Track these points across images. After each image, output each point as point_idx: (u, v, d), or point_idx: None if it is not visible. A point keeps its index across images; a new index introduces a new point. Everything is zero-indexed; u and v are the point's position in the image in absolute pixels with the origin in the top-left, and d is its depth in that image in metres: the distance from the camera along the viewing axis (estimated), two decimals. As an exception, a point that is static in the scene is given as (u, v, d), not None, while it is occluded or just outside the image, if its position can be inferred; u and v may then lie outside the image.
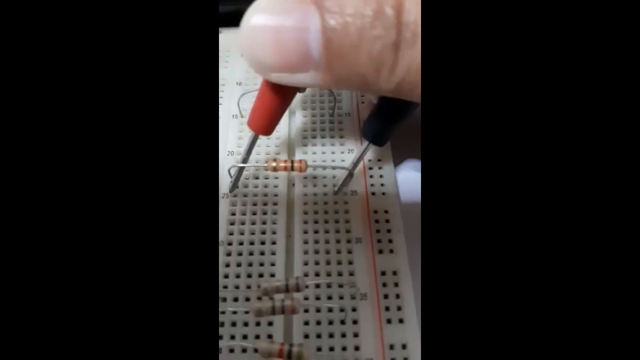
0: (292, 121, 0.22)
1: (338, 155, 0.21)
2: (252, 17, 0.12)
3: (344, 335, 0.16)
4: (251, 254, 0.17)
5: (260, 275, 0.17)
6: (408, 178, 0.21)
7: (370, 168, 0.20)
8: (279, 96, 0.15)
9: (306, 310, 0.16)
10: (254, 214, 0.18)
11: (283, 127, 0.21)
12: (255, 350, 0.14)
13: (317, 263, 0.17)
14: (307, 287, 0.16)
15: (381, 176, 0.20)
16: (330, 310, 0.16)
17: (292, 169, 0.18)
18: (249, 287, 0.16)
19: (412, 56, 0.12)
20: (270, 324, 0.16)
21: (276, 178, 0.19)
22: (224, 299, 0.16)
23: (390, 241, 0.18)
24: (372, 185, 0.20)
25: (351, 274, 0.17)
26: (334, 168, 0.20)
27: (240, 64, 0.24)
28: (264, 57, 0.12)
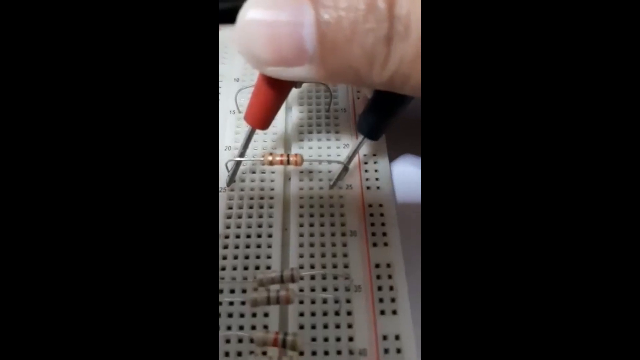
0: (288, 116, 0.22)
1: (334, 150, 0.21)
2: (248, 12, 0.12)
3: (338, 326, 0.16)
4: (247, 246, 0.18)
5: (257, 268, 0.17)
6: (403, 172, 0.21)
7: (366, 162, 0.20)
8: (274, 90, 0.15)
9: (301, 302, 0.16)
10: (251, 207, 0.19)
11: (279, 122, 0.21)
12: (251, 340, 0.14)
13: (312, 256, 0.17)
14: (302, 278, 0.16)
15: (376, 170, 0.20)
16: (324, 301, 0.16)
17: (288, 162, 0.18)
18: (245, 278, 0.17)
19: (404, 49, 0.12)
20: (266, 314, 0.16)
21: (272, 172, 0.20)
22: (221, 290, 0.16)
23: (384, 234, 0.18)
24: (367, 179, 0.20)
25: (346, 267, 0.17)
26: (329, 162, 0.20)
27: (238, 60, 0.24)
28: (259, 52, 0.12)
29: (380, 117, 0.17)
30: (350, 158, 0.19)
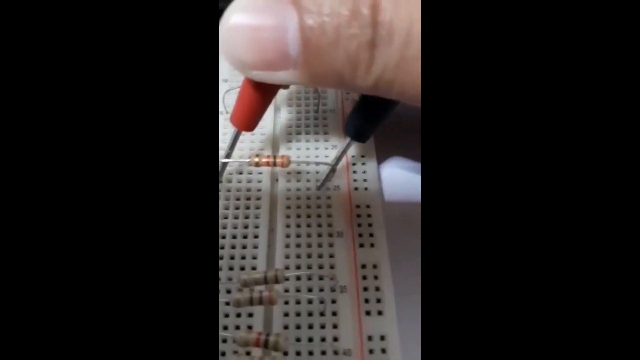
0: (277, 117, 0.22)
1: (322, 151, 0.21)
2: (232, 17, 0.12)
3: (323, 327, 0.16)
4: (233, 247, 0.18)
5: (242, 268, 0.17)
6: (391, 174, 0.21)
7: (354, 164, 0.21)
8: (259, 93, 0.15)
9: (286, 302, 0.16)
10: (237, 208, 0.19)
11: (268, 123, 0.22)
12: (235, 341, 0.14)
13: (298, 256, 0.18)
14: (287, 279, 0.16)
15: (364, 172, 0.20)
16: (310, 302, 0.16)
17: (275, 164, 0.18)
18: (230, 279, 0.17)
19: (387, 54, 0.12)
20: (250, 315, 0.16)
21: (260, 173, 0.20)
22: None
23: (371, 235, 0.18)
24: (355, 180, 0.20)
25: (332, 267, 0.17)
26: (317, 164, 0.20)
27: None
28: (243, 56, 0.12)
29: (366, 120, 0.17)
30: (338, 160, 0.19)
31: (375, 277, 0.17)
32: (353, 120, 0.18)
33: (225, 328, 0.16)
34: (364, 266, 0.18)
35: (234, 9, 0.12)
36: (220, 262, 0.17)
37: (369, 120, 0.17)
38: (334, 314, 0.16)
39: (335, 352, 0.15)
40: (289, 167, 0.19)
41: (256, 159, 0.18)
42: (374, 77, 0.12)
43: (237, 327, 0.16)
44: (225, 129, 0.21)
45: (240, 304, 0.14)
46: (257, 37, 0.12)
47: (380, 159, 0.21)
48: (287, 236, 0.18)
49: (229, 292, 0.17)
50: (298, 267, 0.17)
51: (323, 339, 0.16)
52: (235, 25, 0.12)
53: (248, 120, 0.16)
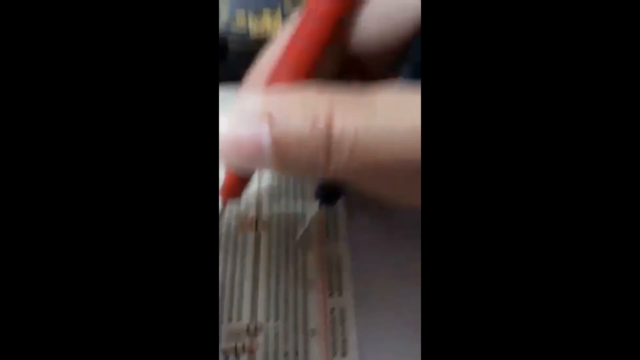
0: (261, 176, 0.25)
1: (301, 207, 0.24)
2: (220, 127, 0.16)
3: (297, 366, 0.19)
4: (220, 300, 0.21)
5: (229, 320, 0.20)
6: (359, 226, 0.24)
7: (327, 217, 0.24)
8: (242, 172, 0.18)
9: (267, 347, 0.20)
10: (226, 261, 0.22)
11: (253, 183, 0.25)
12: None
13: (277, 305, 0.21)
14: (267, 325, 0.19)
15: (335, 225, 0.24)
16: (286, 342, 0.20)
17: (257, 228, 0.22)
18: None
19: (339, 158, 0.15)
20: (237, 358, 0.19)
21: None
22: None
23: (339, 282, 0.22)
24: (327, 233, 0.23)
25: (305, 313, 0.21)
26: (295, 222, 0.23)
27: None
28: (227, 159, 0.16)
29: (332, 189, 0.21)
30: (312, 218, 0.22)
31: (342, 321, 0.21)
32: (321, 189, 0.21)
33: (215, 370, 0.19)
34: (332, 310, 0.21)
35: (221, 120, 0.16)
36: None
37: (334, 190, 0.21)
38: (306, 352, 0.20)
39: (306, 388, 0.19)
40: (267, 229, 0.22)
41: (240, 226, 0.21)
42: (331, 173, 0.16)
43: (226, 369, 0.19)
44: (215, 194, 0.24)
45: (227, 353, 0.17)
46: (238, 144, 0.16)
47: (349, 212, 0.25)
48: (268, 287, 0.21)
49: (218, 339, 0.20)
50: (277, 314, 0.21)
51: (296, 377, 0.19)
52: (222, 134, 0.16)
53: (234, 192, 0.19)
